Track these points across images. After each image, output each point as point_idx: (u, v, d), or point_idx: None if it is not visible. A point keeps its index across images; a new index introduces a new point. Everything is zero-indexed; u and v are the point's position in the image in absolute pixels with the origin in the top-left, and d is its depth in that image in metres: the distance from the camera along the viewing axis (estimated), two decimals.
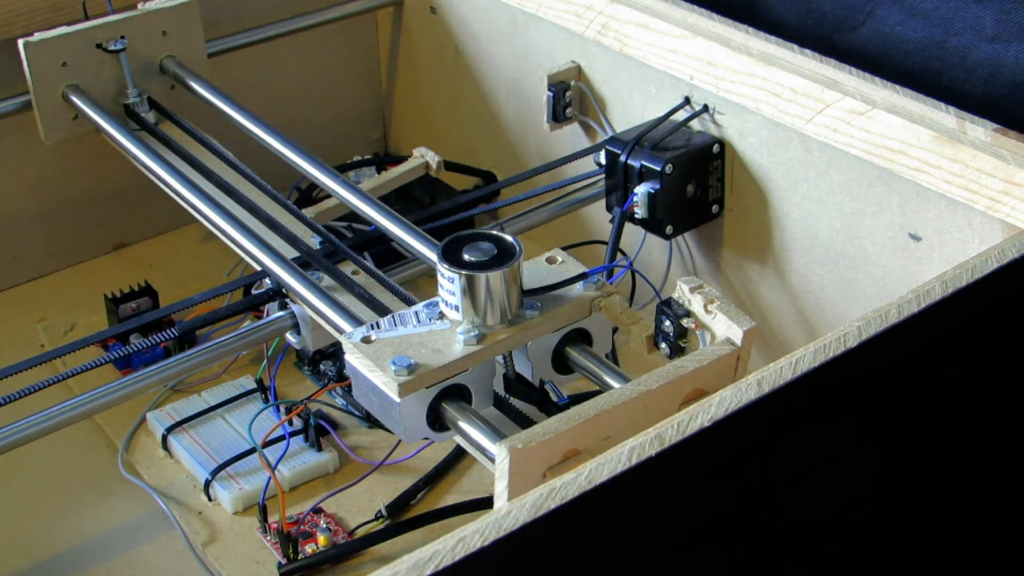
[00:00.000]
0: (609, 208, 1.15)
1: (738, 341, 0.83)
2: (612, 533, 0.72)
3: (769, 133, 1.09)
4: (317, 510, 1.06)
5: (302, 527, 1.04)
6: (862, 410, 0.82)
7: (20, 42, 1.23)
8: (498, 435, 0.84)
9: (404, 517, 1.05)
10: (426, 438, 0.88)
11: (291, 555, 1.02)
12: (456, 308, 0.88)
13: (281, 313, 1.06)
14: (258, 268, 1.05)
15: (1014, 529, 1.00)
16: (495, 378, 0.90)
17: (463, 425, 0.86)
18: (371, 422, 1.14)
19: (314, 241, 1.10)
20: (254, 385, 1.18)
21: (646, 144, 1.11)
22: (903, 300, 0.81)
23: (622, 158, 1.11)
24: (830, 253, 1.08)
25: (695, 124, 1.14)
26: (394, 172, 1.21)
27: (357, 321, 0.97)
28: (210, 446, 1.12)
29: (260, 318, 1.09)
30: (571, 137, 1.28)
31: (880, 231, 1.03)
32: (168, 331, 1.05)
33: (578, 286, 0.91)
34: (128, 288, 1.22)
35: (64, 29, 1.25)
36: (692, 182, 1.12)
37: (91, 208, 1.38)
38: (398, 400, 0.84)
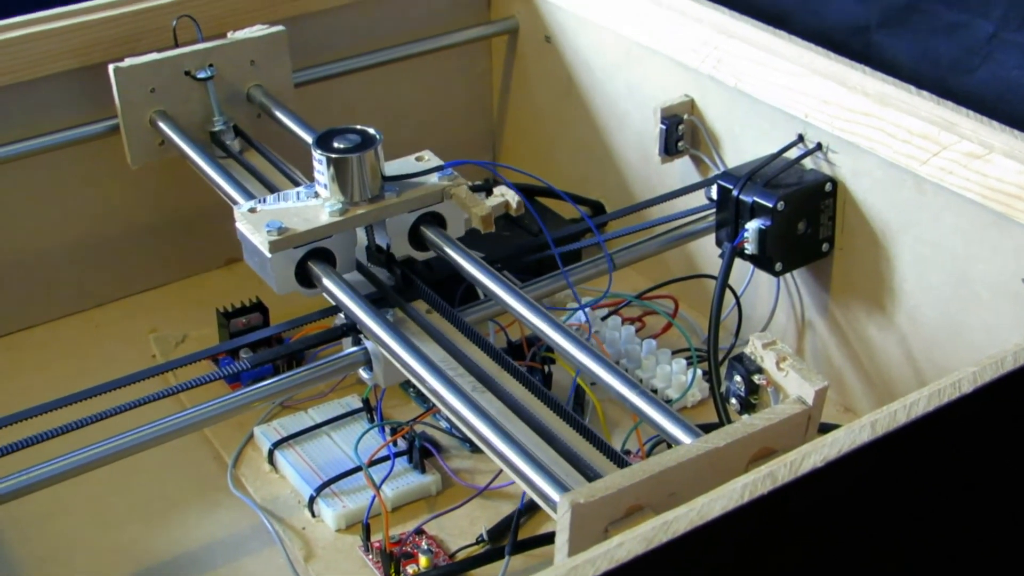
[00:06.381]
0: (719, 243, 1.15)
1: (809, 400, 0.82)
2: (722, 569, 0.72)
3: (883, 173, 1.08)
4: (419, 531, 1.07)
5: (404, 547, 1.05)
6: (975, 456, 0.81)
7: (110, 67, 1.25)
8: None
9: (504, 543, 1.06)
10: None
11: (392, 575, 1.03)
12: (325, 187, 1.05)
13: (354, 349, 1.06)
14: (332, 303, 1.06)
15: None
16: (358, 248, 1.07)
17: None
18: (473, 446, 1.15)
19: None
20: (360, 405, 1.19)
21: (758, 180, 1.12)
22: (1019, 347, 0.80)
23: (734, 193, 1.12)
24: (941, 296, 1.07)
25: (808, 162, 1.14)
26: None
27: (424, 359, 0.96)
28: (315, 463, 1.13)
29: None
30: (681, 170, 1.29)
31: (993, 276, 1.02)
32: (277, 349, 1.06)
33: (434, 177, 1.07)
34: (239, 303, 1.24)
35: (154, 56, 1.27)
36: (803, 220, 1.12)
37: (204, 222, 1.40)
38: (269, 256, 1.02)
